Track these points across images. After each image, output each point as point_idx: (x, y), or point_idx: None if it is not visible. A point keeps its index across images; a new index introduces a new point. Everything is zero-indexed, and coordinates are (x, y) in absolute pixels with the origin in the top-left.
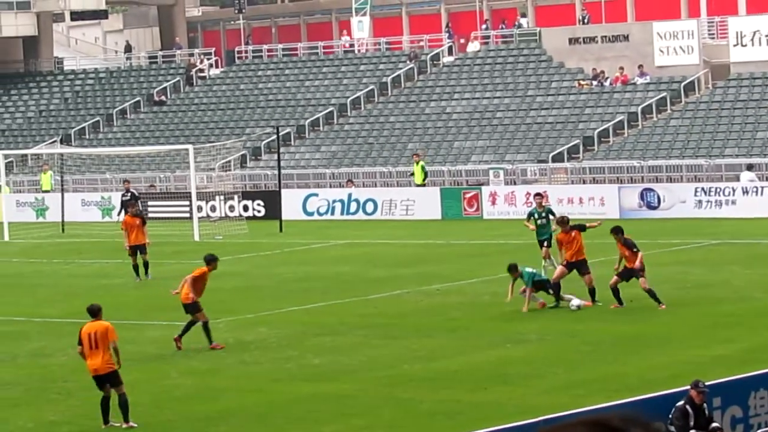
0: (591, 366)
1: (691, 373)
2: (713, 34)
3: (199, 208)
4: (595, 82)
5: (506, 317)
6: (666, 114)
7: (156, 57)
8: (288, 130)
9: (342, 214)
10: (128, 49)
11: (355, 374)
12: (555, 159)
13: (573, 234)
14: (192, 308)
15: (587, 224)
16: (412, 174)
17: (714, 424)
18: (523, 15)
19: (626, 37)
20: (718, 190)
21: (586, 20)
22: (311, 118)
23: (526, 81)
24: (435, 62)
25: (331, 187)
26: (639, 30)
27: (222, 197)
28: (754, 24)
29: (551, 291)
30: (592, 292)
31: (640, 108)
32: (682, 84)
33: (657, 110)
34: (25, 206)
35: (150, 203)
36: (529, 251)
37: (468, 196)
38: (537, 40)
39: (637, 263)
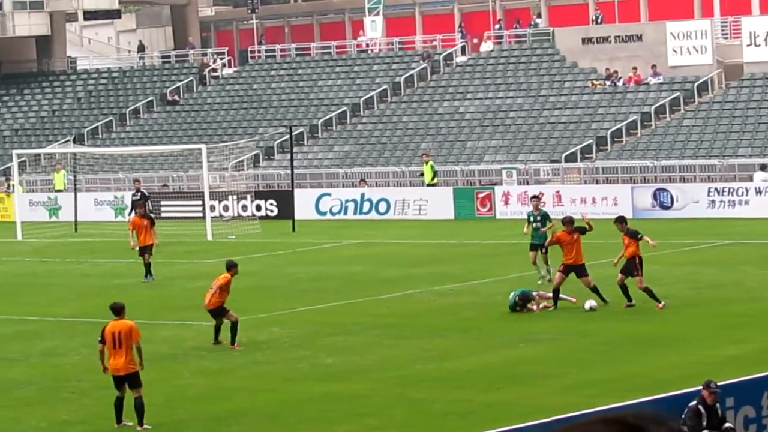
0: (603, 366)
1: (704, 373)
2: (726, 34)
3: (212, 208)
4: (608, 82)
5: (519, 317)
6: (679, 114)
7: (169, 57)
8: (301, 129)
9: (355, 213)
10: (141, 48)
11: (368, 374)
12: (568, 159)
13: (575, 236)
14: (218, 312)
15: (586, 226)
16: (422, 174)
17: (727, 425)
18: (539, 15)
19: (639, 37)
20: (732, 190)
21: (599, 20)
22: (324, 118)
23: (539, 81)
24: (448, 62)
25: (343, 186)
26: (652, 30)
27: (235, 197)
28: (767, 24)
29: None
30: (595, 290)
31: (653, 108)
32: (696, 84)
33: (670, 110)
34: (38, 206)
35: (163, 203)
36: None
37: (481, 196)
38: (550, 39)
39: (651, 243)
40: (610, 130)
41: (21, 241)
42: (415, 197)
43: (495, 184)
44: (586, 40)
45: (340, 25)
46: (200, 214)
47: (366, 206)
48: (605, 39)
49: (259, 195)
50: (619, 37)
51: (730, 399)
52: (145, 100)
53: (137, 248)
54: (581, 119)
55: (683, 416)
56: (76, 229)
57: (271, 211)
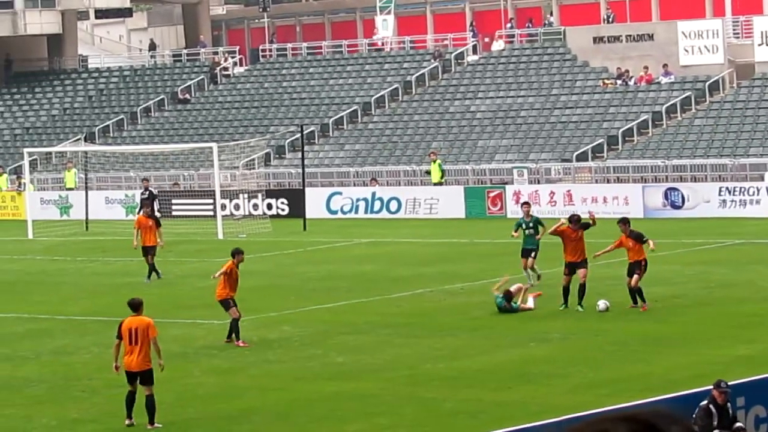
0: (614, 365)
1: (715, 372)
2: (738, 33)
3: (223, 207)
4: (619, 82)
5: (529, 316)
6: (690, 113)
7: (180, 55)
8: (312, 128)
9: (366, 212)
10: (152, 47)
11: (379, 373)
12: (579, 158)
13: (580, 233)
14: (224, 305)
15: (590, 222)
16: (428, 172)
17: (738, 424)
18: (551, 14)
19: (651, 37)
20: (743, 189)
21: (610, 19)
22: (335, 117)
23: (550, 80)
24: (459, 61)
25: (354, 185)
26: (664, 29)
27: (246, 195)
28: None
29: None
30: (581, 288)
31: (664, 107)
32: (707, 83)
33: (681, 110)
34: (49, 204)
35: (174, 201)
36: (552, 250)
37: (492, 195)
38: (561, 39)
39: (652, 245)
40: (622, 130)
41: (32, 239)
42: (426, 196)
43: (506, 184)
44: (598, 40)
45: (352, 24)
46: (211, 213)
47: (377, 205)
48: (616, 38)
49: (270, 194)
50: (630, 36)
51: (741, 398)
52: (157, 99)
53: (140, 247)
54: (592, 118)
55: (694, 416)
56: (87, 228)
57: (282, 209)
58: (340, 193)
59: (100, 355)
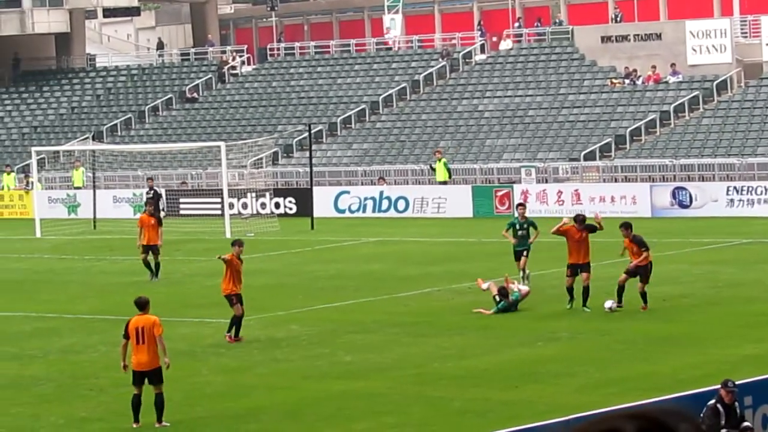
0: (622, 365)
1: (723, 372)
2: (746, 32)
3: (231, 205)
4: (627, 81)
5: (537, 315)
6: (698, 113)
7: (188, 54)
8: (320, 127)
9: (373, 211)
10: (160, 46)
11: (386, 372)
12: (587, 157)
13: (584, 234)
14: (228, 300)
15: (598, 226)
16: (432, 168)
17: (745, 423)
18: (560, 13)
19: (659, 36)
20: (750, 189)
21: (618, 19)
22: (343, 116)
23: (558, 79)
24: (467, 60)
25: (362, 184)
26: (672, 29)
27: (254, 194)
28: None
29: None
30: (585, 290)
31: (672, 107)
32: (715, 83)
33: (689, 109)
34: (57, 203)
35: (182, 200)
36: (552, 250)
37: (500, 194)
38: (569, 38)
39: (643, 262)
40: (629, 129)
41: (40, 238)
42: (433, 195)
43: (514, 183)
44: (606, 39)
45: (360, 23)
46: (219, 212)
47: (385, 204)
48: (624, 38)
49: (277, 192)
50: (638, 35)
51: (749, 398)
52: (164, 98)
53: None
54: (600, 118)
55: (702, 415)
56: (94, 227)
57: (290, 208)
58: (348, 192)
59: (107, 353)
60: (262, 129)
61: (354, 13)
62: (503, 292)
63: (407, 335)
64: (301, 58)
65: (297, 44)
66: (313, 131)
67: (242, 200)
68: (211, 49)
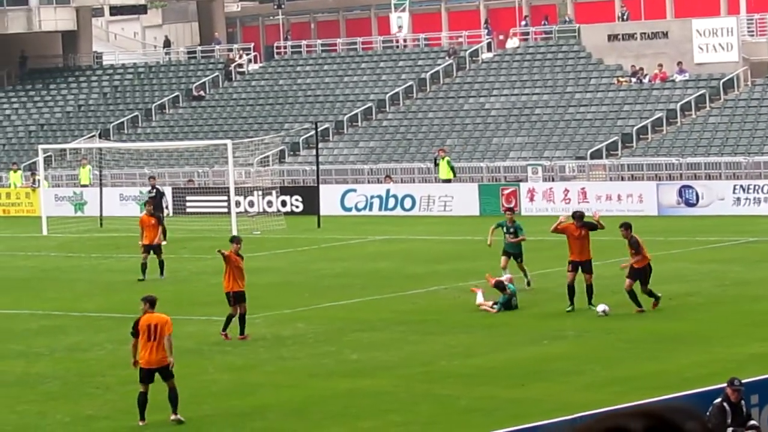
0: (629, 363)
1: (729, 370)
2: (753, 31)
3: (237, 203)
4: (634, 79)
5: (544, 314)
6: (705, 111)
7: (195, 52)
8: (326, 125)
9: (380, 210)
10: (167, 44)
11: (393, 370)
12: (593, 156)
13: (583, 231)
14: (226, 297)
15: (598, 225)
16: (436, 164)
17: (752, 422)
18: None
19: (665, 34)
20: (757, 187)
21: (625, 17)
22: (350, 114)
23: (564, 78)
24: (474, 58)
25: (369, 182)
26: (678, 27)
27: (260, 192)
28: None
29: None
30: (589, 288)
31: (678, 105)
32: (721, 81)
33: (696, 107)
34: (64, 200)
35: (188, 198)
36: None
37: (506, 192)
38: (576, 36)
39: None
40: (636, 127)
41: (46, 236)
42: (440, 193)
43: (520, 181)
44: (612, 37)
45: (366, 21)
46: (225, 210)
47: (391, 202)
48: (631, 36)
49: (284, 191)
50: (645, 34)
51: (755, 396)
52: (171, 96)
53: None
54: (607, 116)
55: (708, 414)
56: (101, 224)
57: (297, 206)
58: (355, 191)
59: (114, 351)
60: (268, 127)
61: (361, 11)
62: (500, 285)
63: (414, 333)
64: (307, 56)
65: (304, 42)
66: (319, 129)
67: (249, 198)
68: (217, 47)
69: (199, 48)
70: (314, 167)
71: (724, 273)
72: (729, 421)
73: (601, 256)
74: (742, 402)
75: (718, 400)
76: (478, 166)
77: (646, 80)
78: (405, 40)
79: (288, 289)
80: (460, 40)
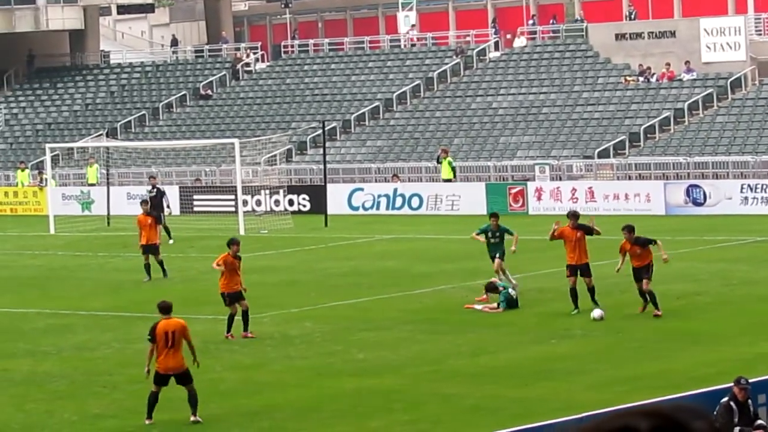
0: (636, 362)
1: (737, 370)
2: (760, 30)
3: (245, 202)
4: (641, 78)
5: (551, 313)
6: (712, 110)
7: (202, 51)
8: (334, 124)
9: (387, 209)
10: (174, 43)
11: (400, 369)
12: (601, 155)
13: (579, 234)
14: (221, 298)
15: (594, 230)
16: (438, 162)
17: (759, 421)
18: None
19: (673, 33)
20: (765, 186)
21: (632, 16)
22: (357, 113)
23: (572, 77)
24: (481, 57)
25: (376, 181)
26: (686, 26)
27: (267, 191)
28: None
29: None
30: (591, 290)
31: (686, 104)
32: (729, 80)
33: (703, 106)
34: (71, 199)
35: (195, 197)
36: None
37: (513, 191)
38: (583, 35)
39: (663, 255)
40: (643, 127)
41: (54, 234)
42: (447, 192)
43: (528, 180)
44: (620, 36)
45: (374, 20)
46: (233, 209)
47: (398, 201)
48: (639, 35)
49: (291, 190)
50: (652, 33)
51: (762, 396)
52: (178, 95)
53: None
54: (614, 115)
55: (715, 413)
56: (108, 223)
57: (304, 205)
58: (362, 190)
59: (121, 350)
60: (276, 126)
61: (368, 10)
62: (491, 287)
63: (421, 332)
64: (315, 55)
65: (311, 41)
66: (327, 128)
67: (256, 197)
68: (225, 46)
69: (207, 47)
70: (321, 166)
71: (732, 272)
72: (736, 420)
73: (604, 257)
74: (749, 401)
75: (725, 399)
76: (486, 165)
77: (653, 79)
78: (413, 39)
79: (295, 288)
80: (468, 39)
